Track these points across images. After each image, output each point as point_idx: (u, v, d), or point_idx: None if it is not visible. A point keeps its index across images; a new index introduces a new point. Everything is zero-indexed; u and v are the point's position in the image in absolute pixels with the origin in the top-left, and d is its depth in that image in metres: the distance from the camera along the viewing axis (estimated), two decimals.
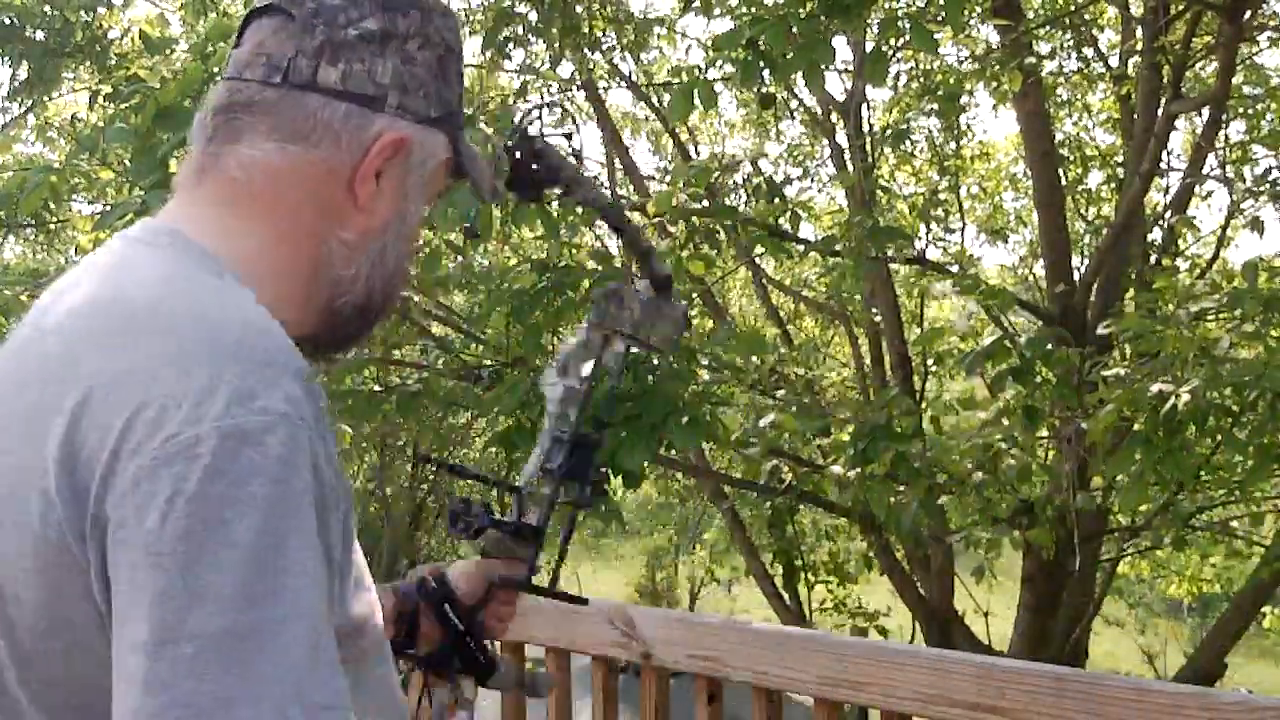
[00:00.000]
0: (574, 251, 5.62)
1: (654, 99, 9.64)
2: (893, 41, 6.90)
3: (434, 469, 14.81)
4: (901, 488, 5.28)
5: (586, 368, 1.50)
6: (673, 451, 5.37)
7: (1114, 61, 8.96)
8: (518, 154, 1.36)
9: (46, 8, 5.99)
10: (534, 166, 1.36)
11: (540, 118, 1.42)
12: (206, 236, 1.03)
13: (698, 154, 10.63)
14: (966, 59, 8.89)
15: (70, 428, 0.88)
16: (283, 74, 1.05)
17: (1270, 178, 7.71)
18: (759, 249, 6.45)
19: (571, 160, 1.44)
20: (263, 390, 0.89)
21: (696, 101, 4.09)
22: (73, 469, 0.88)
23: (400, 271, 1.14)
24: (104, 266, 1.03)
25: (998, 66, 6.85)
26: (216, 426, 0.86)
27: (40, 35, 5.94)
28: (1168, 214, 7.79)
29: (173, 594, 0.82)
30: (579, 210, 5.13)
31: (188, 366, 0.89)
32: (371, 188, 1.07)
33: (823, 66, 4.01)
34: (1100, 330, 5.23)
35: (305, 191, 1.05)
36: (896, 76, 8.70)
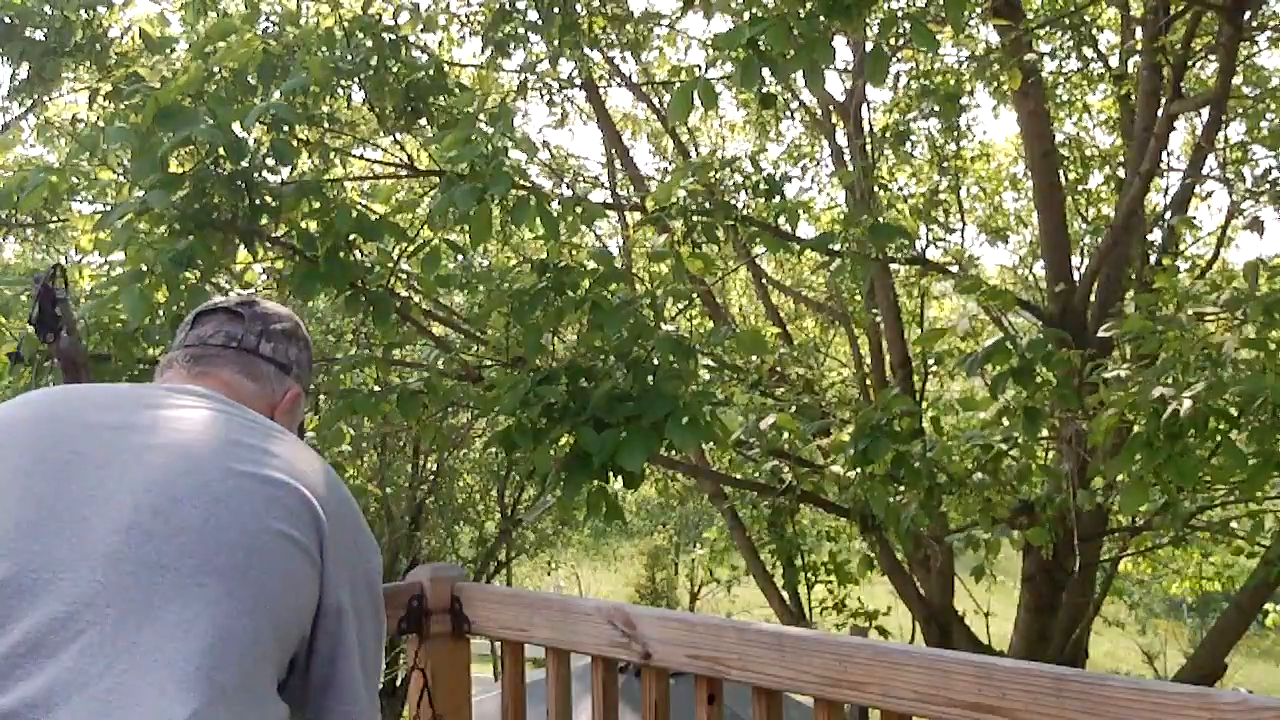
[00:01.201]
0: (574, 251, 5.62)
1: (654, 99, 9.64)
2: (893, 41, 6.90)
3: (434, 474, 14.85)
4: (901, 488, 5.28)
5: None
6: (673, 451, 5.37)
7: (1114, 61, 8.96)
8: (41, 301, 2.08)
9: (46, 7, 5.98)
10: (56, 311, 2.07)
11: (63, 275, 2.37)
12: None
13: (698, 154, 10.62)
14: (966, 59, 8.89)
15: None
16: (239, 341, 1.76)
17: (1270, 178, 7.70)
18: (759, 248, 6.44)
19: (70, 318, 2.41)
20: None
21: (697, 101, 4.08)
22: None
23: None
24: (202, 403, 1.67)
25: (998, 66, 6.85)
26: (378, 569, 1.66)
27: (40, 35, 5.93)
28: (1168, 214, 7.79)
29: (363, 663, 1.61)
30: (579, 211, 5.13)
31: (367, 531, 1.68)
32: (281, 420, 1.74)
33: (823, 66, 4.00)
34: (1101, 333, 5.22)
35: (257, 409, 1.67)
36: (896, 76, 8.70)
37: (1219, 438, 4.28)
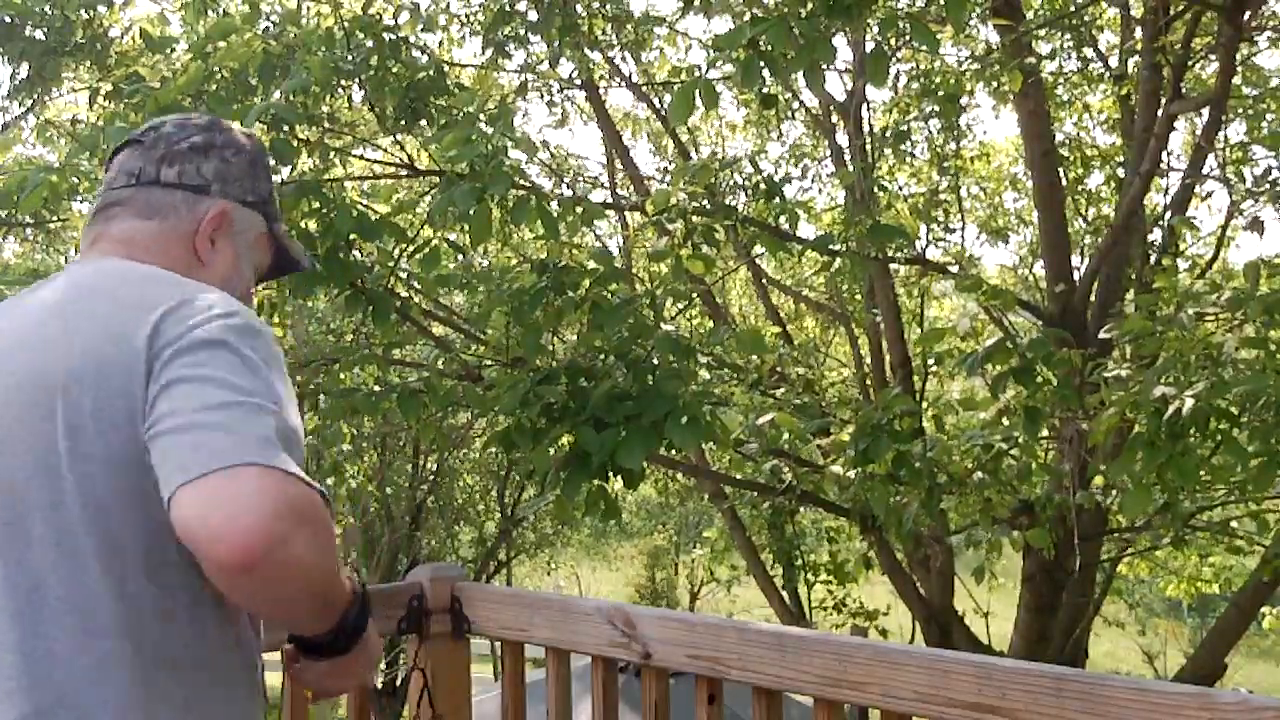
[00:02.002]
0: (574, 251, 5.62)
1: (654, 99, 9.63)
2: (893, 41, 6.90)
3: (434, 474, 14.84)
4: (901, 488, 5.28)
5: None
6: (673, 451, 5.37)
7: (1114, 61, 8.96)
8: None
9: (46, 7, 5.98)
10: None
11: None
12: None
13: (698, 154, 10.62)
14: (967, 59, 8.89)
15: (156, 325, 1.34)
16: (135, 178, 1.57)
17: (1270, 178, 7.69)
18: (759, 248, 6.44)
19: None
20: (255, 316, 1.42)
21: (697, 102, 4.08)
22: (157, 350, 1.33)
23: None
24: (85, 269, 1.51)
25: (998, 66, 6.85)
26: (243, 314, 1.39)
27: (40, 34, 5.93)
28: (1168, 214, 7.78)
29: (202, 376, 1.33)
30: (579, 211, 5.13)
31: (215, 297, 1.41)
32: (208, 247, 1.57)
33: (823, 66, 4.00)
34: (1103, 335, 5.22)
35: (164, 251, 1.54)
36: (897, 77, 8.70)
37: (1220, 437, 4.28)
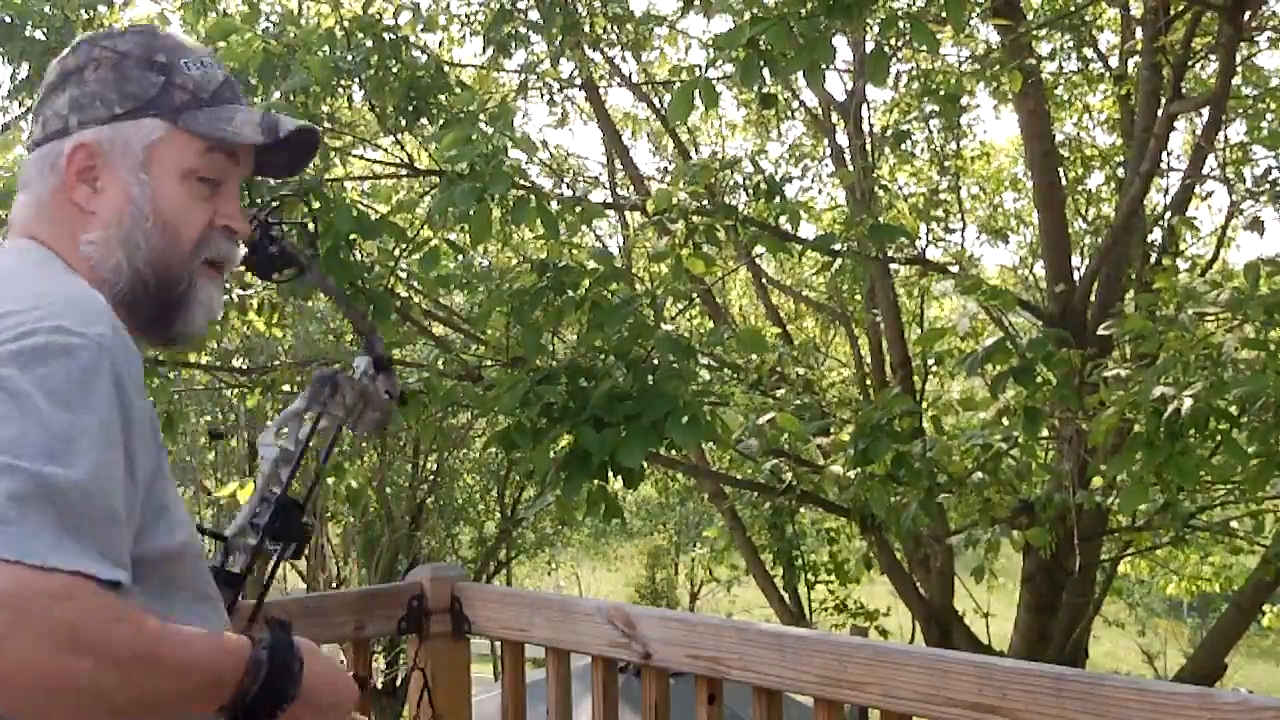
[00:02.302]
0: (574, 251, 5.62)
1: (654, 99, 9.63)
2: (893, 41, 6.90)
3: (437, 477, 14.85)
4: (901, 488, 5.28)
5: (302, 433, 1.63)
6: (673, 451, 5.37)
7: (1114, 62, 8.96)
8: (259, 237, 1.63)
9: (47, 7, 5.98)
10: (271, 250, 1.63)
11: (280, 205, 1.76)
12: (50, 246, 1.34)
13: (698, 154, 10.61)
14: (967, 59, 8.89)
15: None
16: (31, 145, 1.36)
17: (1270, 178, 7.70)
18: (759, 248, 6.44)
19: (305, 249, 1.75)
20: (79, 326, 1.15)
21: (697, 101, 4.08)
22: None
23: (163, 246, 1.33)
24: None
25: (998, 66, 6.85)
26: (46, 331, 1.13)
27: (40, 34, 5.92)
28: (1168, 214, 7.78)
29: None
30: (579, 211, 5.13)
31: (36, 303, 1.17)
32: (87, 192, 1.33)
33: (823, 66, 4.00)
34: (1101, 331, 5.22)
35: (47, 221, 1.33)
36: (897, 77, 8.70)
37: (1220, 437, 4.29)
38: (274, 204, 1.83)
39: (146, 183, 1.32)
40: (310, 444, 1.63)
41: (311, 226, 1.99)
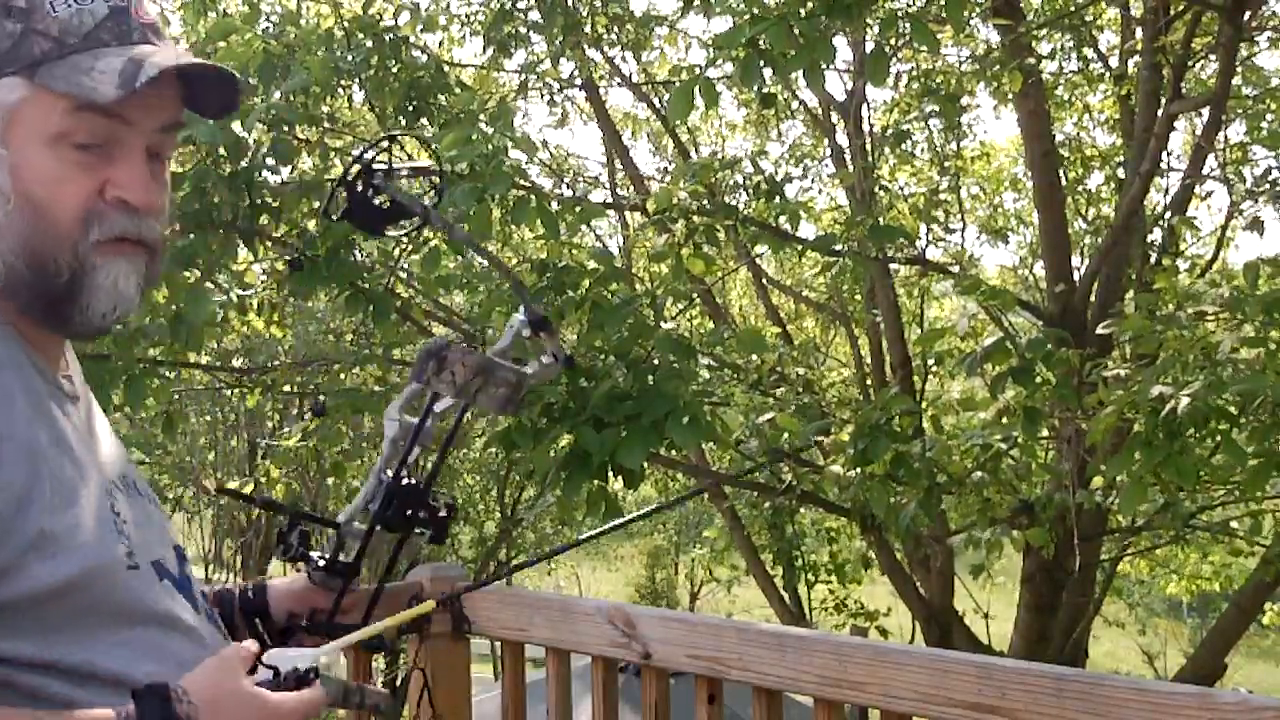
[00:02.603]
0: (574, 251, 5.62)
1: (654, 99, 9.64)
2: (893, 41, 6.90)
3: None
4: (901, 488, 5.28)
5: (415, 413, 1.47)
6: (673, 451, 5.37)
7: (1114, 62, 8.96)
8: (357, 186, 1.40)
9: None
10: (375, 200, 1.40)
11: (389, 149, 1.45)
12: None
13: (698, 155, 10.62)
14: (967, 59, 8.89)
15: None
16: None
17: (1270, 178, 7.70)
18: (759, 248, 6.45)
19: (419, 196, 1.44)
20: None
21: (697, 100, 4.08)
22: None
23: (31, 230, 1.12)
24: None
25: (998, 66, 6.85)
26: None
27: None
28: (1168, 214, 7.79)
29: None
30: (579, 211, 5.12)
31: None
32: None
33: (823, 66, 4.00)
34: (1100, 331, 5.22)
35: None
36: (897, 77, 8.70)
37: (1219, 437, 4.28)
38: (379, 144, 1.47)
39: (3, 156, 1.11)
40: (427, 423, 1.44)
41: (435, 167, 1.60)
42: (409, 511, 1.41)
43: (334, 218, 1.48)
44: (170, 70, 1.12)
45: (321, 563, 1.44)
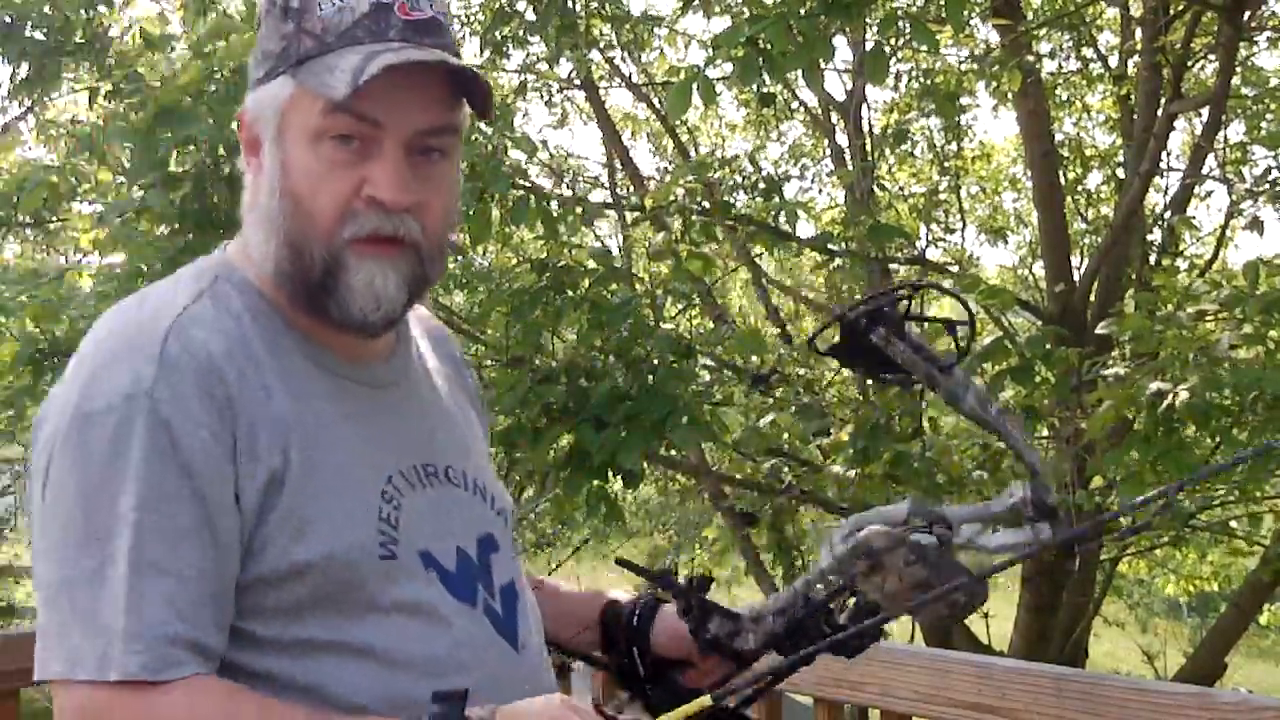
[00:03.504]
0: (574, 251, 5.62)
1: (654, 99, 9.63)
2: (893, 41, 6.90)
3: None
4: (901, 488, 5.28)
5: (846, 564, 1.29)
6: (673, 451, 5.37)
7: (1113, 61, 8.95)
8: (863, 322, 1.25)
9: (46, 7, 5.98)
10: (874, 341, 1.25)
11: (911, 299, 1.27)
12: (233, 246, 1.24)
13: (698, 154, 10.61)
14: (966, 59, 8.89)
15: None
16: None
17: (1270, 178, 7.71)
18: (758, 247, 6.45)
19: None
20: (107, 376, 1.08)
21: (696, 98, 4.08)
22: None
23: (295, 226, 1.15)
24: None
25: (997, 66, 6.85)
26: (68, 414, 1.07)
27: (40, 34, 5.93)
28: (1167, 214, 7.79)
29: (36, 550, 1.08)
30: (579, 211, 5.13)
31: (74, 368, 1.12)
32: (255, 166, 1.19)
33: (822, 65, 4.01)
34: (1100, 330, 5.22)
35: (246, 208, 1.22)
36: (897, 76, 8.70)
37: (1218, 435, 4.29)
38: (899, 290, 1.27)
39: (279, 148, 1.15)
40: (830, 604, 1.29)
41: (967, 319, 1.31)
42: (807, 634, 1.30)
43: (820, 350, 1.34)
44: (398, 67, 1.10)
45: (708, 636, 1.37)
